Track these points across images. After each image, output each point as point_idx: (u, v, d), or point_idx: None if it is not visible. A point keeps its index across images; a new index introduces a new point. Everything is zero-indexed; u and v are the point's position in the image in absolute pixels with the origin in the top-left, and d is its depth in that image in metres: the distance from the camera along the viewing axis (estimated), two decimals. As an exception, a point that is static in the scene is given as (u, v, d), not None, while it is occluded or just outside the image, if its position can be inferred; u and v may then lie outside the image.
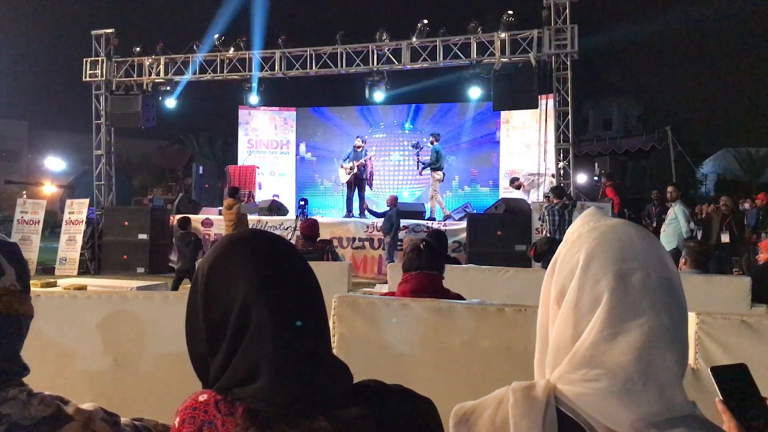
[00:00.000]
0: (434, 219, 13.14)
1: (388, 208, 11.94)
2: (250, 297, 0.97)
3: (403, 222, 12.13)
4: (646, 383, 0.83)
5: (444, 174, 13.65)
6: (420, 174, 14.26)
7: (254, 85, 14.14)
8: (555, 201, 9.85)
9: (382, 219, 11.91)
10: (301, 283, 1.03)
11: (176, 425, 0.97)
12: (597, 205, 11.11)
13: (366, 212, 12.44)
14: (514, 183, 13.41)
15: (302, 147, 17.08)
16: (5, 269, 1.12)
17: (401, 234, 11.99)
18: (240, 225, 11.42)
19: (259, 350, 0.95)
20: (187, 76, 14.11)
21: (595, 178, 15.23)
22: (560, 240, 0.98)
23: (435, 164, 13.11)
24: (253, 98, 14.54)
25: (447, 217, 13.08)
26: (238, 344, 0.96)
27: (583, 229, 0.94)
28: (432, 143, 13.27)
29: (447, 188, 15.88)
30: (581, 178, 16.18)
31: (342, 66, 13.34)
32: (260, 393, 0.93)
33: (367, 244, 12.57)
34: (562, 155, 12.14)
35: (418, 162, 13.70)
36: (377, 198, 15.17)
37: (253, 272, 1.00)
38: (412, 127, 16.67)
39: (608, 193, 12.42)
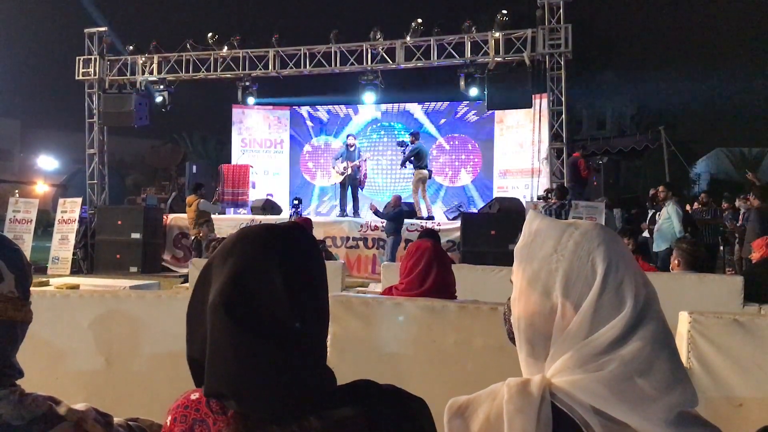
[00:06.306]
0: (432, 218, 13.06)
1: (393, 209, 11.76)
2: (214, 301, 0.94)
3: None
4: (644, 375, 0.84)
5: (430, 172, 13.42)
6: (403, 167, 13.89)
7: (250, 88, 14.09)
8: (555, 201, 9.90)
9: (387, 220, 11.72)
10: (278, 284, 0.96)
11: (168, 424, 0.97)
12: (589, 204, 11.14)
13: (373, 213, 12.22)
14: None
15: (306, 147, 17.07)
16: (4, 276, 1.12)
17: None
18: (199, 222, 11.31)
19: (222, 364, 0.92)
20: (180, 75, 14.07)
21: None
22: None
23: (417, 162, 12.97)
24: (250, 99, 14.48)
25: (429, 218, 12.98)
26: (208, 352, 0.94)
27: (575, 232, 0.96)
28: (412, 142, 13.12)
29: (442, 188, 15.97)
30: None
31: (336, 65, 13.32)
32: (237, 407, 0.92)
33: (361, 243, 12.55)
34: (555, 155, 12.17)
35: (403, 159, 13.48)
36: (375, 197, 15.16)
37: (221, 274, 0.97)
38: (405, 126, 16.64)
39: (579, 164, 12.11)
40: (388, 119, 16.73)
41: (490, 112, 14.34)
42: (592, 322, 0.88)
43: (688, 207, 11.94)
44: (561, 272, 0.93)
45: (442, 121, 16.24)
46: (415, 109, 16.60)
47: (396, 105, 16.75)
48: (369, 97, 13.65)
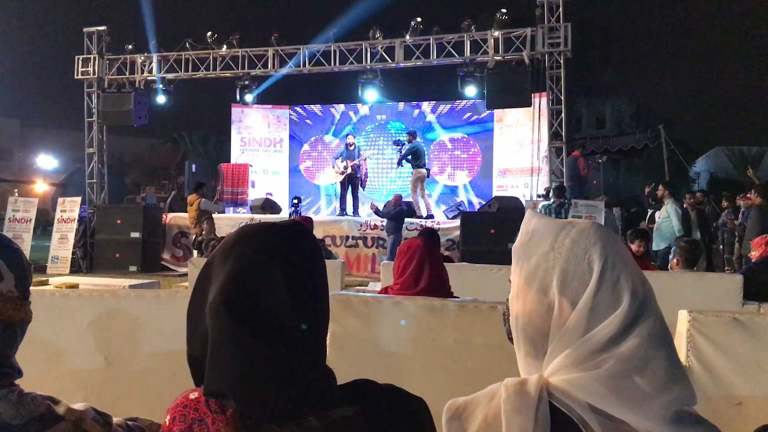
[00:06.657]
0: (432, 216, 13.07)
1: (393, 208, 11.77)
2: (214, 300, 0.94)
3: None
4: (641, 372, 0.84)
5: (428, 171, 13.56)
6: (399, 166, 13.99)
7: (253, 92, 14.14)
8: (554, 200, 9.93)
9: (387, 219, 11.72)
10: (279, 283, 0.95)
11: (167, 423, 0.97)
12: (589, 203, 11.14)
13: (373, 212, 12.23)
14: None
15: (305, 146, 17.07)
16: (4, 275, 1.12)
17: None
18: (201, 221, 11.33)
19: (222, 363, 0.92)
20: (179, 74, 14.06)
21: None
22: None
23: (415, 161, 13.03)
24: (249, 98, 14.45)
25: (429, 216, 13.00)
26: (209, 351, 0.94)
27: (572, 230, 0.96)
28: (409, 141, 13.20)
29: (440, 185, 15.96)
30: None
31: (335, 64, 13.32)
32: (236, 406, 0.92)
33: (360, 242, 12.55)
34: (555, 153, 12.17)
35: (399, 158, 13.58)
36: (374, 196, 15.15)
37: (221, 273, 0.96)
38: (404, 125, 16.62)
39: (579, 163, 12.11)
40: (387, 118, 16.72)
41: (490, 110, 14.33)
42: (589, 319, 0.88)
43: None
44: (558, 270, 0.93)
45: (442, 119, 16.22)
46: (415, 109, 16.58)
47: (395, 104, 16.75)
48: (368, 95, 13.64)
